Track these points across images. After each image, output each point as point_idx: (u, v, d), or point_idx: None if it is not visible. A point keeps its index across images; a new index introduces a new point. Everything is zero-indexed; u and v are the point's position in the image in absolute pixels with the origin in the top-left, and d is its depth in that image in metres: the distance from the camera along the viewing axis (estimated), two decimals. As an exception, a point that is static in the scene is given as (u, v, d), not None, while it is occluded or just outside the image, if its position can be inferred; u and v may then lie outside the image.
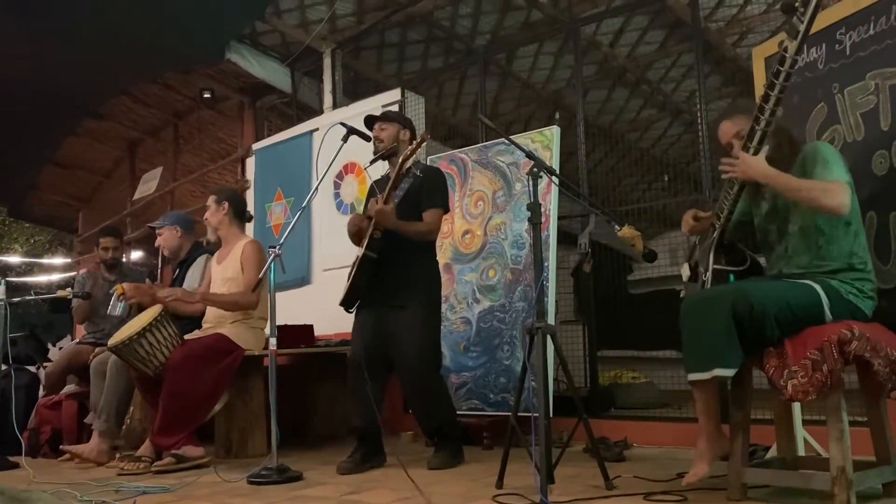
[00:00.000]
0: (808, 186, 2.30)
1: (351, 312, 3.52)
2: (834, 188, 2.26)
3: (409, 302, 3.36)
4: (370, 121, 3.62)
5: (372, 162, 3.53)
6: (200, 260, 4.27)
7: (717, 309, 2.25)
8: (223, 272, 3.96)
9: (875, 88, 2.74)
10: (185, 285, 4.18)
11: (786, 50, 2.16)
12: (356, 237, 3.49)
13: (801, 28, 2.09)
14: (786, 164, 2.41)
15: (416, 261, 3.43)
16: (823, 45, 2.96)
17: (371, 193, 3.61)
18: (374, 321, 3.42)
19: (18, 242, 16.23)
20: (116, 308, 4.03)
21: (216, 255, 4.11)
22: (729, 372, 2.23)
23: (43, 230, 15.20)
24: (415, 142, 3.33)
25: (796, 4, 2.08)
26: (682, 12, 5.21)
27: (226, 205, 4.03)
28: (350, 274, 3.42)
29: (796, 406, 2.74)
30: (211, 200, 4.09)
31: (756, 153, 2.35)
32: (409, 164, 3.37)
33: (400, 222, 3.33)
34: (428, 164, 3.70)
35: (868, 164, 2.72)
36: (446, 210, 3.55)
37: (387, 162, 3.59)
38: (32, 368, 5.31)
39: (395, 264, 3.37)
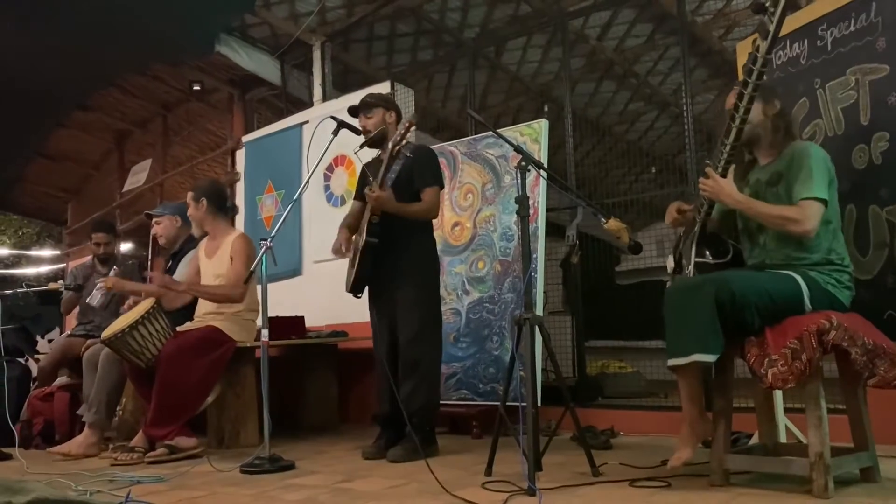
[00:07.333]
0: (778, 214, 2.40)
1: (359, 297, 3.53)
2: (802, 216, 2.33)
3: (405, 284, 3.41)
4: (353, 111, 3.60)
5: (361, 147, 3.49)
6: (192, 254, 4.24)
7: (700, 296, 2.30)
8: (214, 268, 3.94)
9: (855, 84, 2.80)
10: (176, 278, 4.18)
11: (758, 49, 2.22)
12: (352, 228, 3.54)
13: (772, 28, 2.14)
14: (776, 149, 2.52)
15: (410, 243, 3.44)
16: (805, 41, 3.02)
17: (363, 176, 3.63)
18: (381, 307, 3.50)
19: (7, 234, 16.13)
20: (95, 298, 4.01)
21: (204, 247, 4.07)
22: (709, 357, 2.27)
23: (31, 222, 15.10)
24: (403, 124, 3.27)
25: (766, 5, 2.13)
26: (669, 6, 5.24)
27: (203, 201, 3.97)
28: (354, 261, 3.45)
29: (778, 394, 2.82)
30: (189, 198, 4.04)
31: (733, 150, 2.41)
32: (399, 147, 3.31)
33: (400, 205, 3.34)
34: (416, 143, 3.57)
35: (848, 158, 2.78)
36: (441, 186, 3.55)
37: (377, 147, 3.58)
38: (22, 360, 5.31)
39: (391, 248, 3.39)
